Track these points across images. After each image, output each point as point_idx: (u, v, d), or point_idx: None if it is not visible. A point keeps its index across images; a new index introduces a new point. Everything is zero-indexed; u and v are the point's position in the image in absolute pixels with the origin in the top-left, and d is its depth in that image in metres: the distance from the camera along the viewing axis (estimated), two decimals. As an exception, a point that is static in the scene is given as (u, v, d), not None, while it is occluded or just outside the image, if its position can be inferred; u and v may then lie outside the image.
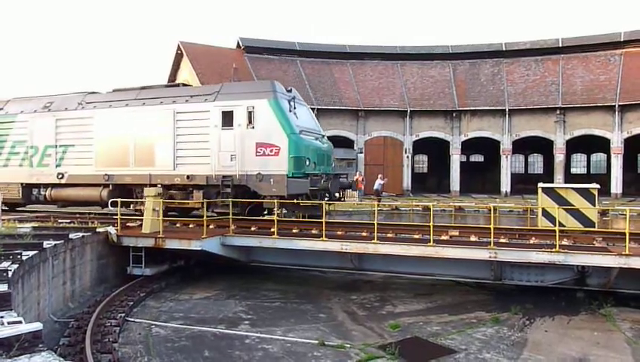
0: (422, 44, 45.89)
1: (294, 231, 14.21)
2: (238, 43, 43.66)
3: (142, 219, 14.42)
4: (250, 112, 15.56)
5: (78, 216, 17.50)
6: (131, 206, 17.44)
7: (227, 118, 15.85)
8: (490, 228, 11.85)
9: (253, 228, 14.72)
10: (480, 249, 11.81)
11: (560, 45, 41.38)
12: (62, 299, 11.51)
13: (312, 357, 8.94)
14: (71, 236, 12.25)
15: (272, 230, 13.37)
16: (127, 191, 17.37)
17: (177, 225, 15.78)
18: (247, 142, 15.60)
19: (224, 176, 15.80)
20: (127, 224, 15.16)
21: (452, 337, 10.07)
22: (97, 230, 13.56)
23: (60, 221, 15.58)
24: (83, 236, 12.69)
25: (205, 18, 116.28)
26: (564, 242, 12.03)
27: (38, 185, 18.88)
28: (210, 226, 14.63)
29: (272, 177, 15.22)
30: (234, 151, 15.73)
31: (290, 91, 16.53)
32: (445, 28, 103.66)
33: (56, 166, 18.38)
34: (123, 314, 10.90)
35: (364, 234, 13.51)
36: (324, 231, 12.86)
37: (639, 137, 37.16)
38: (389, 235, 13.28)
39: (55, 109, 18.64)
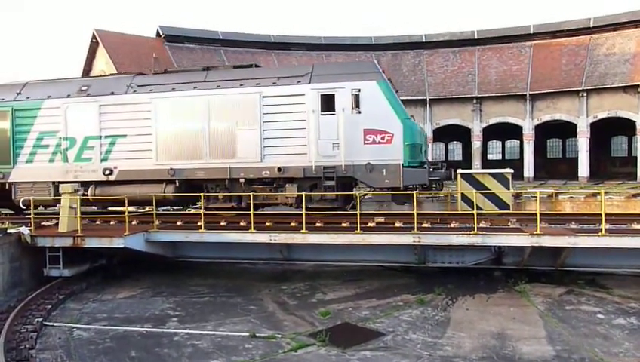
0: (346, 35, 46.41)
1: (222, 223, 14.01)
2: (158, 32, 42.16)
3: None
4: (356, 95, 14.22)
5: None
6: (200, 202, 15.70)
7: (327, 102, 14.38)
8: (413, 214, 12.26)
9: (179, 223, 14.37)
10: (404, 234, 12.20)
11: (476, 37, 43.23)
12: (-30, 306, 10.72)
13: (243, 350, 8.90)
14: (-22, 238, 11.42)
15: (199, 224, 13.11)
16: (196, 188, 15.46)
17: (97, 222, 15.11)
18: (352, 128, 14.21)
19: (325, 168, 14.43)
20: (42, 223, 14.34)
21: (380, 320, 10.37)
22: (9, 231, 12.70)
23: (-35, 223, 14.45)
24: (-8, 238, 11.86)
25: (121, 5, 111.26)
26: (482, 224, 12.69)
27: (75, 184, 16.13)
28: (133, 222, 14.13)
29: (384, 167, 14.01)
30: (337, 140, 14.27)
31: (383, 72, 15.24)
32: (369, 19, 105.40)
33: (102, 160, 15.80)
34: (40, 319, 10.36)
35: (292, 224, 13.55)
36: (252, 223, 12.78)
37: (548, 124, 39.69)
38: (318, 224, 13.40)
39: (96, 94, 15.99)
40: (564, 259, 12.18)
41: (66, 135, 16.10)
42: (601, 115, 37.00)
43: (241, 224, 13.72)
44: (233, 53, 42.72)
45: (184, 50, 41.63)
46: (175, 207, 18.32)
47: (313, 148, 14.45)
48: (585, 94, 37.09)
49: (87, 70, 40.09)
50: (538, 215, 11.80)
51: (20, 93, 16.80)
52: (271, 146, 14.76)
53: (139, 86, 15.95)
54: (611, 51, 38.37)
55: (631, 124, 36.49)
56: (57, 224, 13.52)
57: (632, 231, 11.91)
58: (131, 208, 16.59)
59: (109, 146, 15.83)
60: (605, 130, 40.37)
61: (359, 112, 14.24)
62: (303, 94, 14.60)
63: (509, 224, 13.19)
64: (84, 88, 16.32)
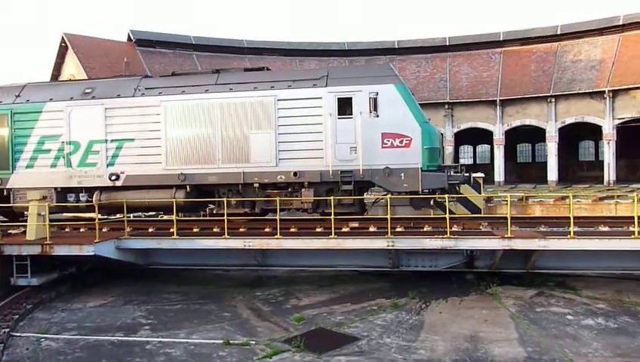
0: (319, 41, 46.60)
1: (195, 230, 13.86)
2: (129, 36, 41.61)
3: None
4: (374, 99, 14.05)
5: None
6: (210, 207, 15.33)
7: (344, 106, 14.19)
8: (387, 219, 12.34)
9: (150, 230, 14.17)
10: (378, 239, 12.27)
11: (447, 44, 43.87)
12: None
13: (217, 358, 8.81)
14: (-59, 248, 11.06)
15: (172, 230, 12.95)
16: (207, 193, 15.11)
17: (67, 229, 14.78)
18: (370, 132, 14.05)
19: (343, 172, 14.20)
20: (9, 231, 13.97)
21: (355, 325, 10.39)
22: (-27, 239, 12.34)
23: None
24: (-45, 247, 11.50)
25: (90, 9, 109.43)
26: (455, 228, 12.84)
27: (78, 190, 15.61)
28: (104, 229, 13.86)
29: (402, 171, 13.88)
30: (354, 143, 14.09)
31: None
32: (342, 25, 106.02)
33: (108, 165, 15.28)
34: (7, 329, 10.09)
35: (267, 229, 13.49)
36: (226, 229, 12.68)
37: (518, 129, 40.46)
38: (292, 230, 13.38)
39: (102, 96, 15.46)
40: (535, 261, 12.42)
41: (70, 139, 15.55)
42: (569, 120, 37.88)
43: (215, 230, 13.60)
44: (206, 58, 42.40)
45: (156, 54, 41.18)
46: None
47: (330, 152, 14.27)
48: (553, 100, 37.94)
49: (55, 75, 39.30)
50: (509, 218, 11.99)
51: (19, 95, 16.20)
52: (286, 150, 14.54)
53: (147, 88, 15.53)
54: (578, 58, 39.40)
55: (597, 129, 37.46)
56: (25, 232, 13.18)
57: (599, 233, 12.22)
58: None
59: (116, 151, 15.33)
60: (573, 135, 41.34)
61: (377, 116, 14.10)
62: (320, 97, 14.45)
63: (481, 228, 13.38)
64: (88, 91, 15.82)
